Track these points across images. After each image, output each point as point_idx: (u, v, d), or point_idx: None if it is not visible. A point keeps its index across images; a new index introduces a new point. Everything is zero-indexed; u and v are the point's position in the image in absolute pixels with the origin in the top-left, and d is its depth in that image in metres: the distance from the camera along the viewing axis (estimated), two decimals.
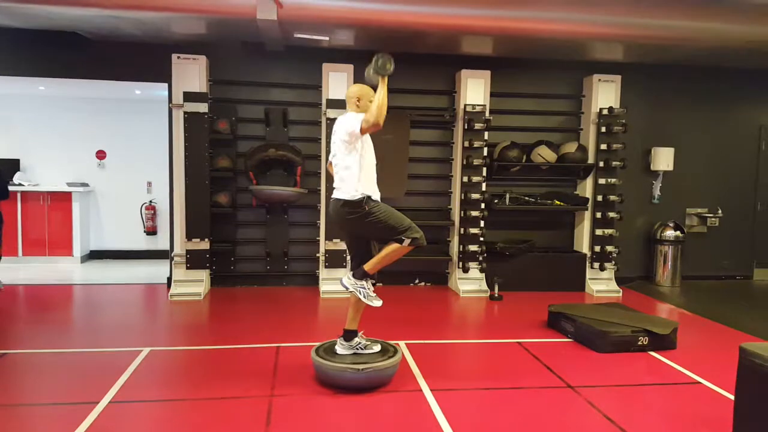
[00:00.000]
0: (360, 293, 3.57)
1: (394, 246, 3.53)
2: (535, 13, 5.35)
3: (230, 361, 4.09)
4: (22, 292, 6.27)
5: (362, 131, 3.39)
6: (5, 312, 5.42)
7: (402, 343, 4.39)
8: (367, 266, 3.59)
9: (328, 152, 5.99)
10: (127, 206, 8.27)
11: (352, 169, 3.49)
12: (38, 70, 6.27)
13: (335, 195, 3.60)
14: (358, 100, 3.58)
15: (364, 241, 3.72)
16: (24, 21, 5.35)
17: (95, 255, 8.27)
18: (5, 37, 5.89)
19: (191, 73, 5.91)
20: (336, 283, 6.10)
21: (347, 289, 3.62)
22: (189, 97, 5.88)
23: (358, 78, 6.15)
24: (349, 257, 6.12)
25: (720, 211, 7.33)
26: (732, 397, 3.04)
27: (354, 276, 3.60)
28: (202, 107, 5.93)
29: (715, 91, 7.26)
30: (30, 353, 4.20)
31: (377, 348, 3.73)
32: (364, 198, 3.48)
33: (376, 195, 3.57)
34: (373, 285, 3.71)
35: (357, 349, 3.68)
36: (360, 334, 3.74)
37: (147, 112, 7.96)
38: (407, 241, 3.50)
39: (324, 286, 6.15)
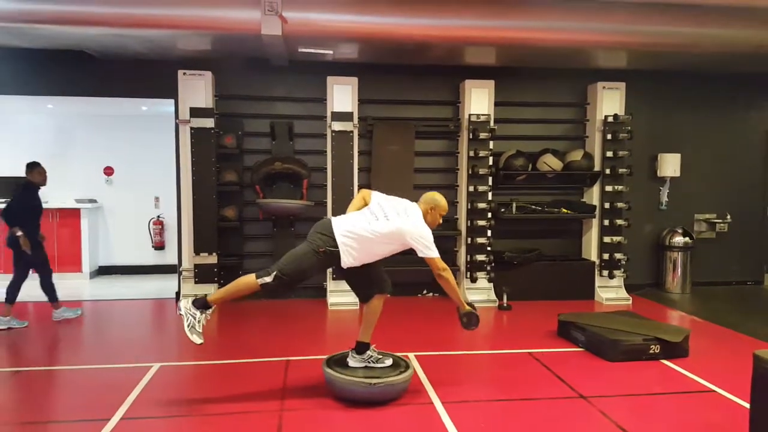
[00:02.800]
0: (186, 320, 3.38)
1: (249, 279, 3.49)
2: (537, 23, 5.38)
3: (240, 375, 4.09)
4: (32, 309, 6.29)
5: (428, 259, 3.48)
6: (17, 330, 5.44)
7: (411, 355, 4.37)
8: (211, 297, 3.49)
9: (334, 164, 6.08)
10: (135, 221, 8.31)
11: (367, 239, 3.43)
12: (46, 88, 6.36)
13: (336, 225, 3.48)
14: (432, 209, 3.63)
15: (357, 272, 3.63)
16: (32, 41, 5.42)
17: (104, 271, 8.30)
18: (14, 58, 5.97)
19: (197, 89, 5.96)
20: (344, 295, 6.10)
21: (179, 311, 3.45)
22: (195, 112, 5.93)
23: (362, 90, 6.22)
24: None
25: (728, 217, 7.28)
26: (747, 404, 3.01)
27: (194, 302, 3.44)
28: (209, 122, 5.97)
29: (721, 96, 7.24)
30: (42, 370, 4.21)
31: (389, 362, 3.70)
32: (333, 251, 3.41)
33: (347, 261, 3.45)
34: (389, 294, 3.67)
35: (369, 362, 3.66)
36: (372, 347, 3.73)
37: (154, 128, 8.01)
38: (261, 279, 3.43)
39: (332, 299, 6.14)
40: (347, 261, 3.47)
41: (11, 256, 5.47)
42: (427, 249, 3.47)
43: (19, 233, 5.22)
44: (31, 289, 6.96)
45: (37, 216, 5.53)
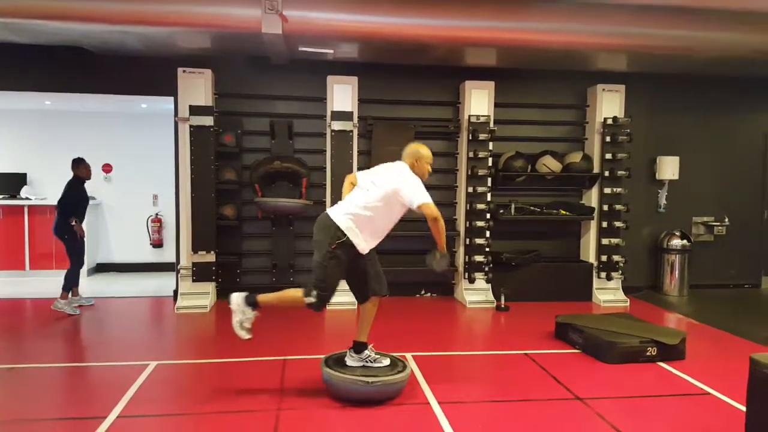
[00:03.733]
0: (236, 315, 3.52)
1: (296, 294, 3.50)
2: (538, 25, 5.38)
3: (237, 374, 4.09)
4: (29, 305, 6.29)
5: (418, 206, 3.44)
6: (13, 326, 5.43)
7: (409, 355, 4.37)
8: (261, 297, 3.56)
9: (333, 164, 6.08)
10: (133, 219, 8.29)
11: (366, 216, 3.46)
12: (45, 84, 6.35)
13: (332, 212, 3.53)
14: (416, 161, 3.64)
15: (356, 274, 3.65)
16: (31, 37, 5.40)
17: (102, 268, 8.28)
18: (12, 53, 5.95)
19: (197, 87, 5.95)
20: (342, 294, 6.04)
21: (229, 304, 3.55)
22: (195, 110, 5.92)
23: (362, 90, 6.22)
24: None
25: (726, 220, 7.29)
26: (743, 408, 3.01)
27: (246, 299, 3.52)
28: (208, 120, 5.96)
29: (720, 99, 7.25)
30: (38, 367, 4.20)
31: (386, 362, 3.72)
32: (343, 239, 3.43)
33: (360, 244, 3.48)
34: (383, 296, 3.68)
35: (366, 361, 3.67)
36: (370, 347, 3.73)
37: (153, 126, 8.01)
38: (310, 300, 3.45)
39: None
40: (361, 245, 3.49)
41: (62, 248, 6.00)
42: (420, 196, 3.46)
43: (74, 222, 5.76)
44: (32, 287, 6.98)
45: (84, 208, 6.06)
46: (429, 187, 6.83)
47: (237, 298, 3.54)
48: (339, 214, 3.51)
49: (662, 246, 7.07)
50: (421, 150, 3.68)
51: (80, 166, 5.94)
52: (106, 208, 8.33)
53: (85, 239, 6.06)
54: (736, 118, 7.36)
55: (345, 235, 3.44)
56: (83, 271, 7.77)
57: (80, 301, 5.97)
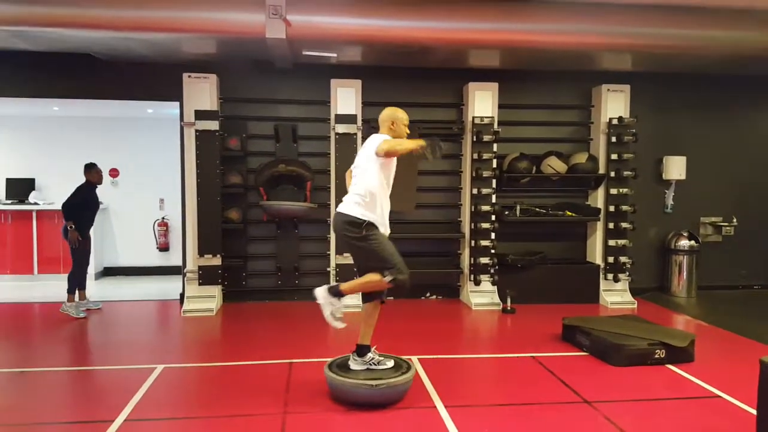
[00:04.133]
0: (326, 309, 3.55)
1: (376, 277, 3.51)
2: (541, 26, 5.35)
3: (243, 377, 4.09)
4: (37, 309, 6.33)
5: (377, 153, 3.45)
6: (22, 330, 5.46)
7: (414, 358, 4.36)
8: (344, 286, 3.59)
9: (337, 166, 6.09)
10: (139, 223, 8.34)
11: (367, 192, 3.50)
12: (52, 91, 6.40)
13: (341, 208, 3.61)
14: (393, 124, 3.67)
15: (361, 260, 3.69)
16: (39, 44, 5.45)
17: (109, 272, 8.33)
18: (21, 60, 6.00)
19: (202, 92, 5.97)
20: (347, 297, 6.09)
21: (317, 299, 3.59)
22: (200, 115, 5.95)
23: (366, 92, 6.23)
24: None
25: (735, 220, 7.23)
26: (753, 411, 2.99)
27: (329, 290, 3.58)
28: (213, 125, 5.98)
29: (726, 98, 7.20)
30: (46, 371, 4.22)
31: (390, 363, 3.71)
32: (364, 222, 3.48)
33: (380, 224, 3.55)
34: (382, 302, 3.71)
35: (370, 364, 3.66)
36: (373, 349, 3.73)
37: (159, 131, 8.05)
38: (389, 278, 3.48)
39: None
40: (380, 221, 3.54)
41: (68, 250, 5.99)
42: (376, 143, 3.48)
43: (71, 226, 5.74)
44: (40, 291, 7.02)
45: (93, 211, 6.12)
46: (434, 189, 6.86)
47: (322, 292, 3.58)
48: (347, 205, 3.56)
49: (670, 247, 7.03)
50: (398, 113, 3.69)
51: (92, 171, 5.98)
52: (113, 213, 8.37)
53: (90, 242, 6.10)
54: (743, 117, 7.30)
55: (364, 219, 3.48)
56: (90, 274, 7.87)
57: (87, 305, 5.99)
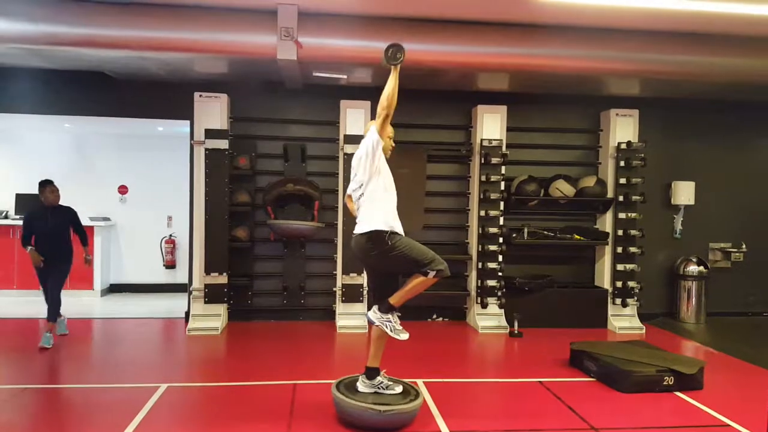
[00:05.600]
0: (386, 327, 3.56)
1: (420, 279, 3.52)
2: (551, 50, 5.40)
3: (247, 398, 4.06)
4: (43, 326, 6.32)
5: (379, 128, 3.46)
6: (25, 346, 5.46)
7: (420, 381, 4.31)
8: (393, 299, 3.59)
9: (345, 186, 6.07)
10: (147, 240, 8.37)
11: (377, 203, 3.51)
12: (65, 108, 6.48)
13: (358, 230, 3.58)
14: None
15: (388, 276, 3.70)
16: (55, 62, 5.55)
17: (115, 288, 8.34)
18: (34, 78, 6.11)
19: (213, 111, 6.04)
20: (353, 317, 6.08)
21: (373, 323, 3.61)
22: (210, 134, 6.00)
23: (375, 115, 6.26)
24: (366, 291, 6.11)
25: (744, 246, 7.17)
26: None
27: (380, 310, 3.59)
28: (223, 144, 6.03)
29: (735, 123, 7.20)
30: (50, 388, 4.21)
31: (399, 389, 3.67)
32: (387, 232, 3.48)
33: (399, 228, 3.57)
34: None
35: (379, 388, 3.63)
36: (382, 373, 3.70)
37: (169, 149, 8.11)
38: (432, 273, 3.49)
39: (340, 321, 6.11)
40: (396, 226, 3.54)
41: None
42: (371, 132, 3.52)
43: (28, 250, 5.36)
44: (41, 306, 7.03)
45: (43, 236, 5.41)
46: (441, 210, 6.86)
47: (374, 315, 3.61)
48: (364, 224, 3.54)
49: (678, 272, 6.96)
50: (372, 123, 3.69)
51: (45, 190, 5.42)
52: (121, 229, 8.41)
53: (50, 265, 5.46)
54: (752, 143, 7.29)
55: (386, 230, 3.48)
56: (96, 290, 7.89)
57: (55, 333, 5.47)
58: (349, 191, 3.79)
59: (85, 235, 5.79)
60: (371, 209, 3.52)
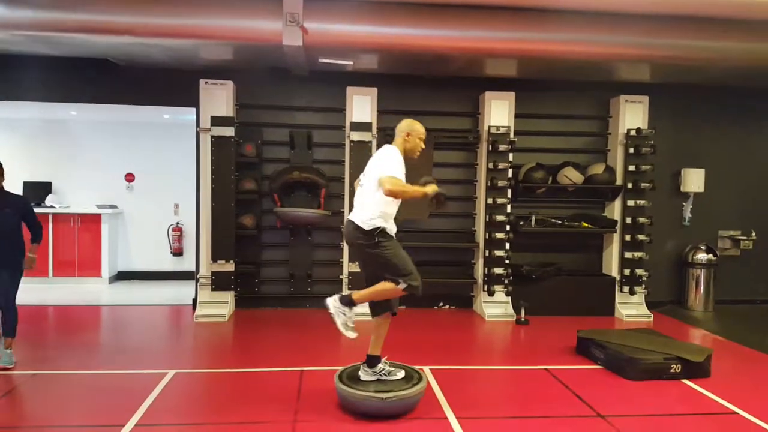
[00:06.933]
0: (338, 319, 3.51)
1: (390, 285, 3.48)
2: (559, 36, 5.32)
3: (254, 384, 4.08)
4: (51, 312, 6.38)
5: (380, 184, 3.42)
6: (36, 332, 5.51)
7: (426, 369, 4.32)
8: (356, 295, 3.56)
9: (351, 174, 6.09)
10: (154, 228, 8.39)
11: (375, 200, 3.49)
12: (71, 95, 6.48)
13: (351, 216, 3.60)
14: (408, 135, 3.63)
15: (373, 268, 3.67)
16: (60, 49, 5.53)
17: (122, 276, 8.38)
18: (40, 65, 6.09)
19: (218, 98, 6.02)
20: (359, 306, 6.06)
21: (328, 309, 3.55)
22: (216, 121, 5.98)
23: (381, 100, 6.23)
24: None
25: (754, 234, 7.11)
26: None
27: (340, 300, 3.55)
28: (229, 131, 6.02)
29: (746, 110, 7.10)
30: (59, 374, 4.24)
31: (401, 374, 3.67)
32: (376, 229, 3.46)
33: (390, 230, 3.54)
34: (393, 314, 3.69)
35: (381, 375, 3.63)
36: (384, 359, 3.70)
37: (175, 136, 8.11)
38: (403, 285, 3.45)
39: None
40: (390, 228, 3.54)
41: None
42: (385, 169, 3.43)
43: None
44: (55, 294, 7.09)
45: None
46: (448, 198, 6.84)
47: (333, 301, 3.55)
48: (358, 213, 3.54)
49: (687, 260, 6.92)
50: (415, 125, 3.66)
51: None
52: (128, 217, 8.44)
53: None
54: (763, 130, 7.19)
55: (376, 226, 3.46)
56: (104, 278, 7.94)
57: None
58: (361, 175, 3.77)
59: (39, 231, 4.55)
60: (372, 200, 3.49)
